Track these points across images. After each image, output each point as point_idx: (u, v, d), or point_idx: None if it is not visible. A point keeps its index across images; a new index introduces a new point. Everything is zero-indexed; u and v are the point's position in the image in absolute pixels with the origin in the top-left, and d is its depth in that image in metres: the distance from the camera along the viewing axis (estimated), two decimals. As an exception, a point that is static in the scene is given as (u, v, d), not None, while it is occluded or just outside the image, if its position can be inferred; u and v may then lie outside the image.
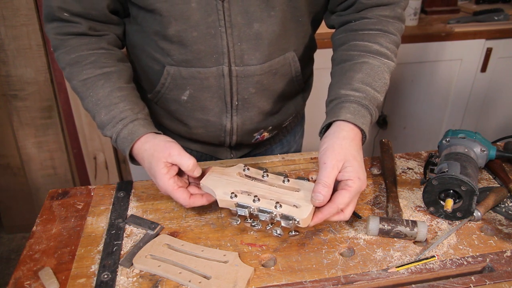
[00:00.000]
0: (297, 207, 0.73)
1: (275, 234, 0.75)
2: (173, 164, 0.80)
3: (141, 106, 0.89)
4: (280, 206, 0.72)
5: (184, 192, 0.79)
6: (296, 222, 0.72)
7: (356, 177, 0.73)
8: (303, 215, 0.71)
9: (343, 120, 0.78)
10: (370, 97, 0.82)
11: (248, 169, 0.82)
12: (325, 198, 0.72)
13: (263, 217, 0.74)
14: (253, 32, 0.86)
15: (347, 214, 0.75)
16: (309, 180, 0.79)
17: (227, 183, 0.79)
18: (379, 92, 0.84)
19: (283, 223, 0.73)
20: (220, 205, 0.77)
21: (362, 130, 0.79)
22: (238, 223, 0.77)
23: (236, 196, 0.75)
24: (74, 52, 0.87)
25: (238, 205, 0.75)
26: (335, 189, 0.74)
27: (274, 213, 0.73)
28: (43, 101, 2.01)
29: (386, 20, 0.88)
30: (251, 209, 0.74)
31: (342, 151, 0.74)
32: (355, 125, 0.78)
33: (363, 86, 0.82)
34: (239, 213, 0.75)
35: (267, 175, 0.80)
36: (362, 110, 0.80)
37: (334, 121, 0.80)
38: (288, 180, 0.79)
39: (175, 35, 0.85)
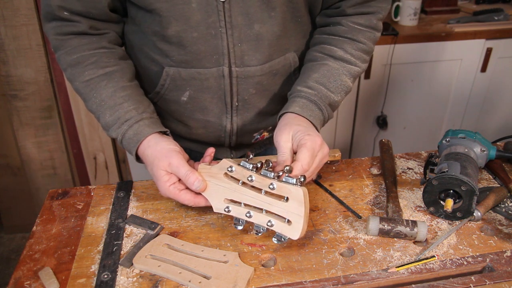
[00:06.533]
0: (289, 224, 0.72)
1: (275, 241, 0.75)
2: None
3: (146, 104, 0.89)
4: (272, 225, 0.73)
5: (187, 194, 0.80)
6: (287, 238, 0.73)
7: (306, 134, 0.78)
8: (295, 235, 0.71)
9: (292, 112, 0.85)
10: (322, 95, 0.88)
11: (233, 169, 0.77)
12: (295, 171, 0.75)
13: (257, 228, 0.76)
14: (254, 33, 0.86)
15: (311, 172, 0.78)
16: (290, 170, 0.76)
17: (218, 189, 0.78)
18: (333, 92, 0.90)
19: (275, 241, 0.74)
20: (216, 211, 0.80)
21: (313, 124, 0.85)
22: (242, 228, 0.78)
23: (229, 210, 0.77)
24: (75, 53, 0.87)
25: (234, 218, 0.78)
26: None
27: (267, 229, 0.75)
28: (43, 101, 2.01)
29: (358, 28, 0.92)
30: (246, 222, 0.77)
31: (288, 127, 0.81)
32: (304, 117, 0.84)
33: (316, 85, 0.89)
34: (235, 222, 0.78)
35: (253, 177, 0.75)
36: (311, 105, 0.87)
37: (285, 113, 0.86)
38: (275, 185, 0.73)
39: (174, 36, 0.85)
